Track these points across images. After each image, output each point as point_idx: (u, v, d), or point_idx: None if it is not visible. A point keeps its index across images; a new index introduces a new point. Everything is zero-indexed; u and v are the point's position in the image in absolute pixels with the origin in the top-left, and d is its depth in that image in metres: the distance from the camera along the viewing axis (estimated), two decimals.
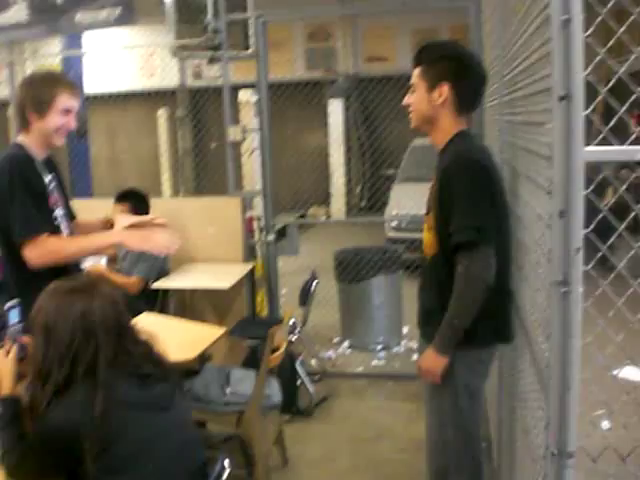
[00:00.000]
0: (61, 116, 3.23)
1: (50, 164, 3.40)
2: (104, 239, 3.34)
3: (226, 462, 2.43)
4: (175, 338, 3.76)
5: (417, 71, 2.95)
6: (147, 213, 4.06)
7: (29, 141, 3.28)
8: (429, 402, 3.08)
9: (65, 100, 3.23)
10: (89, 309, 2.23)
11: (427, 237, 2.97)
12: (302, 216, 13.02)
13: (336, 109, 14.90)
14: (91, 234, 3.36)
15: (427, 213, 2.99)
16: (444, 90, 2.88)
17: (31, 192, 3.17)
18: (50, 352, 2.22)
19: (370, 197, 13.80)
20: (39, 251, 3.12)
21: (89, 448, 2.12)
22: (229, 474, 2.41)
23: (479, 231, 2.70)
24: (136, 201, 5.19)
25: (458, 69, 2.89)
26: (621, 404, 4.13)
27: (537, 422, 2.14)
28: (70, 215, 3.52)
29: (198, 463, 2.39)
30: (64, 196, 3.46)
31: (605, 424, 4.53)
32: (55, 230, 3.28)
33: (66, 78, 3.40)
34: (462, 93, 2.90)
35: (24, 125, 3.28)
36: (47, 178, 3.31)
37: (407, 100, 3.01)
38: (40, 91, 3.24)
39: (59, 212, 3.36)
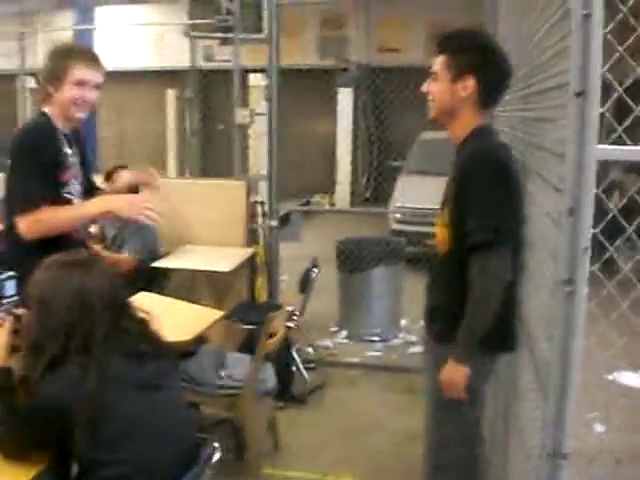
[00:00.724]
0: (76, 88, 3.19)
1: (74, 138, 3.38)
2: (93, 207, 3.32)
3: (216, 445, 2.42)
4: (172, 318, 3.73)
5: (441, 59, 2.79)
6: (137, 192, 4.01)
7: (52, 111, 3.26)
8: (430, 400, 3.00)
9: (79, 72, 3.19)
10: (86, 283, 2.21)
11: (440, 233, 2.85)
12: (306, 204, 12.99)
13: (346, 98, 14.85)
14: (80, 203, 3.36)
15: (441, 209, 2.87)
16: (469, 83, 2.74)
17: (39, 162, 3.15)
18: (45, 325, 2.20)
19: (375, 188, 13.78)
20: (29, 222, 3.11)
21: (79, 423, 2.10)
22: (220, 457, 2.39)
23: (496, 231, 2.60)
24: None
25: (485, 61, 2.75)
26: (617, 407, 4.12)
27: (533, 421, 2.12)
28: (90, 193, 3.51)
29: (189, 444, 2.37)
30: (84, 173, 3.45)
31: (600, 427, 4.51)
32: (65, 204, 3.27)
33: (84, 50, 3.36)
34: (486, 87, 2.76)
35: (45, 96, 3.26)
36: (66, 150, 3.29)
37: (427, 87, 2.85)
38: (55, 63, 3.23)
39: (74, 187, 3.34)
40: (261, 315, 4.19)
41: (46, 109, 3.27)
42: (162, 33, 14.62)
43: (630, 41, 1.76)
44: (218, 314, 4.04)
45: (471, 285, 2.63)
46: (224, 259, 5.31)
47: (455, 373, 2.70)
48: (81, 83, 3.21)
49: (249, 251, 5.72)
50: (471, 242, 2.62)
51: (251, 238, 5.89)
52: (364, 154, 15.08)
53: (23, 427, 2.20)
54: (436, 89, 2.81)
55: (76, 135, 3.41)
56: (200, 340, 4.08)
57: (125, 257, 5.18)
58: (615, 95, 1.71)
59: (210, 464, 2.38)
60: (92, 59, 3.28)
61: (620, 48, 1.73)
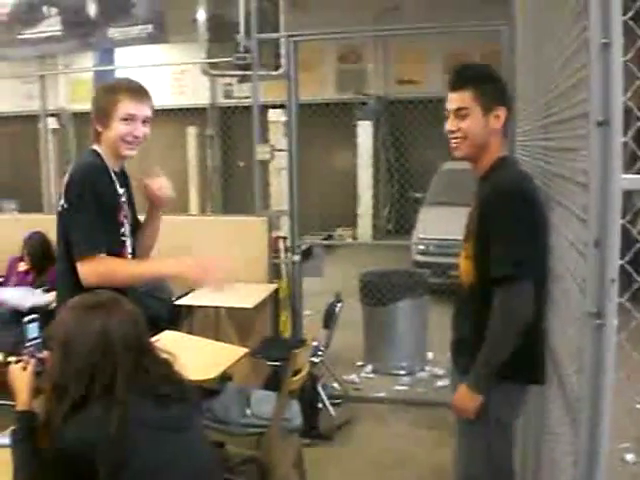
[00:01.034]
0: (124, 124, 3.08)
1: (124, 177, 3.30)
2: (164, 268, 3.25)
3: None
4: (196, 357, 3.72)
5: (467, 94, 2.74)
6: None
7: (103, 150, 3.16)
8: (460, 436, 2.96)
9: (126, 107, 3.07)
10: (109, 325, 2.19)
11: (465, 265, 2.83)
12: (328, 237, 12.98)
13: (365, 131, 14.89)
14: (151, 260, 3.30)
15: (465, 240, 2.86)
16: (501, 113, 2.75)
17: (101, 205, 3.03)
18: (67, 367, 2.18)
19: (397, 220, 13.75)
20: (92, 270, 2.97)
21: (103, 466, 2.07)
22: None
23: (518, 265, 2.58)
24: None
25: (506, 92, 2.82)
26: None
27: (565, 456, 2.07)
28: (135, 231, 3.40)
29: None
30: (132, 212, 3.35)
31: (631, 457, 4.42)
32: (120, 246, 3.18)
33: (129, 84, 3.21)
34: (508, 117, 2.80)
35: (96, 137, 3.17)
36: (120, 190, 3.21)
37: (455, 125, 2.79)
38: (101, 100, 3.14)
39: (127, 228, 3.24)
40: (285, 351, 4.16)
41: (96, 147, 3.17)
42: (182, 72, 14.78)
43: None
44: (242, 351, 4.03)
45: (491, 317, 2.61)
46: (247, 295, 5.29)
47: (469, 401, 2.70)
48: (129, 118, 3.09)
49: (272, 287, 5.70)
50: (494, 275, 2.60)
51: (274, 273, 5.87)
52: (385, 186, 15.08)
53: (47, 471, 2.18)
54: (469, 125, 2.76)
55: (124, 174, 3.31)
56: (224, 378, 4.05)
57: None
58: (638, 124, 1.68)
59: None
60: (138, 92, 3.15)
61: None
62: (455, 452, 3.03)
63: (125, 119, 3.08)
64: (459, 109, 2.76)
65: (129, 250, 3.25)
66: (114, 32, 6.93)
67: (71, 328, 2.22)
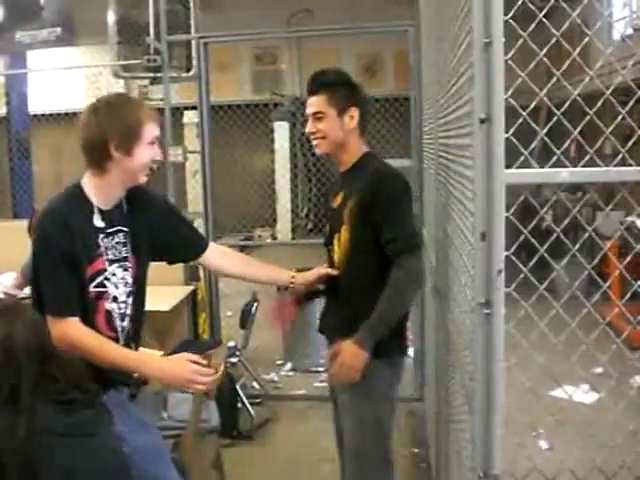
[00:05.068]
0: (151, 147, 2.72)
1: (131, 207, 2.84)
2: (145, 369, 2.81)
3: None
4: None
5: (321, 99, 3.07)
6: None
7: (98, 185, 2.72)
8: (347, 413, 3.14)
9: (152, 129, 2.73)
10: (9, 333, 2.17)
11: (340, 250, 3.09)
12: (247, 238, 12.97)
13: (282, 132, 14.90)
14: (129, 351, 2.84)
15: (335, 230, 3.12)
16: (354, 114, 3.07)
17: (62, 259, 2.63)
18: None
19: (316, 219, 13.83)
20: (60, 332, 2.55)
21: (13, 476, 2.05)
22: None
23: (412, 239, 2.94)
24: None
25: (357, 93, 3.13)
26: (547, 426, 4.18)
27: (467, 444, 2.15)
28: (196, 256, 3.11)
29: None
30: (139, 250, 2.86)
31: (533, 446, 4.56)
32: (92, 304, 2.74)
33: (143, 103, 2.94)
34: (363, 115, 3.11)
35: (99, 165, 2.70)
36: (100, 237, 2.74)
37: (313, 128, 3.11)
38: (126, 123, 2.66)
39: (110, 278, 2.77)
40: (201, 353, 4.16)
41: (84, 182, 2.75)
42: (96, 74, 14.54)
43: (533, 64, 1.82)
44: (157, 354, 4.01)
45: (389, 283, 2.87)
46: (163, 298, 5.26)
47: (358, 357, 2.86)
48: (155, 142, 2.74)
49: (188, 289, 5.68)
50: (395, 249, 2.90)
51: (192, 275, 5.85)
52: (303, 187, 15.13)
53: None
54: (325, 126, 3.07)
55: (133, 203, 2.85)
56: (139, 382, 4.03)
57: None
58: (519, 120, 1.76)
59: None
60: (155, 113, 2.83)
61: (523, 72, 1.79)
62: (337, 433, 3.37)
63: (152, 142, 2.72)
64: (316, 113, 3.09)
65: (121, 299, 2.84)
66: (22, 35, 6.82)
67: None
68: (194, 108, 6.17)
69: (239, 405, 5.28)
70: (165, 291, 5.50)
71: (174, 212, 3.15)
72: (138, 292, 2.92)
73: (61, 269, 2.63)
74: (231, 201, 10.25)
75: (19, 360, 2.14)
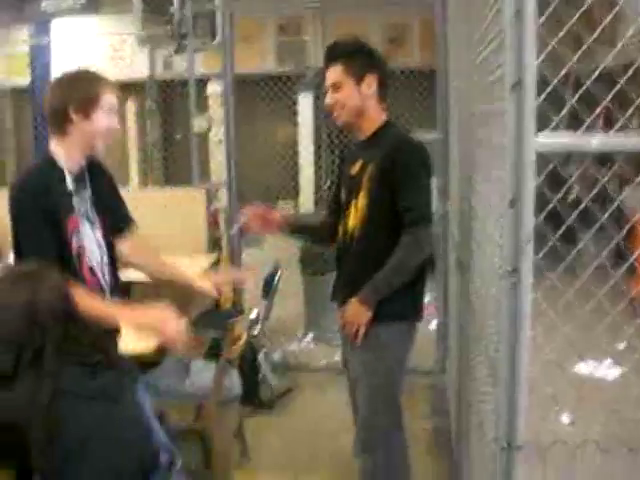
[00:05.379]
0: (106, 115, 2.89)
1: (89, 174, 3.00)
2: (122, 317, 2.83)
3: (177, 451, 2.41)
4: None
5: (338, 69, 3.08)
6: None
7: (64, 149, 2.88)
8: (360, 379, 3.22)
9: (110, 98, 2.92)
10: (36, 296, 2.18)
11: (356, 217, 3.12)
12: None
13: (306, 103, 14.82)
14: (106, 303, 2.91)
15: (353, 197, 3.14)
16: (372, 80, 3.07)
17: (44, 218, 2.77)
18: None
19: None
20: None
21: (36, 438, 2.07)
22: (186, 466, 2.38)
23: (429, 212, 3.01)
24: None
25: (375, 60, 3.12)
26: (569, 400, 4.16)
27: (490, 415, 2.14)
28: (117, 232, 3.16)
29: (149, 453, 2.35)
30: (106, 212, 3.06)
31: (555, 419, 4.55)
32: (76, 261, 2.88)
33: (105, 76, 3.01)
34: (382, 82, 3.11)
35: (61, 129, 2.87)
36: (74, 199, 2.90)
37: (332, 99, 3.13)
38: (84, 89, 2.87)
39: (85, 237, 2.93)
40: (224, 322, 4.17)
41: (52, 147, 2.90)
42: (121, 43, 14.51)
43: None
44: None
45: (399, 247, 2.96)
46: (186, 268, 5.27)
47: (360, 314, 3.01)
48: (112, 110, 2.93)
49: (211, 257, 5.69)
50: (409, 218, 2.95)
51: (214, 246, 5.86)
52: (327, 159, 15.07)
53: None
54: (343, 95, 3.09)
55: (94, 168, 3.03)
56: (163, 350, 4.05)
57: None
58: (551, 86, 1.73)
59: (173, 471, 2.38)
60: (115, 85, 3.00)
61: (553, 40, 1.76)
62: (353, 405, 3.45)
63: (108, 110, 2.91)
64: (334, 84, 3.11)
65: (96, 260, 2.99)
66: (47, 4, 6.81)
67: None
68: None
69: (260, 376, 5.30)
70: (188, 261, 5.51)
71: (116, 187, 3.27)
72: (109, 249, 3.09)
73: (41, 225, 2.76)
74: (254, 173, 10.25)
75: (43, 323, 2.15)
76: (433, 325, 5.79)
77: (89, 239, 2.95)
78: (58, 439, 2.09)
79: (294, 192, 14.70)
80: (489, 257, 2.19)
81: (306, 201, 14.95)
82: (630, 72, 1.91)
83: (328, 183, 15.12)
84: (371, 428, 3.20)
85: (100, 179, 3.08)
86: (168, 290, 5.72)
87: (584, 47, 1.92)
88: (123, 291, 5.31)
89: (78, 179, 2.94)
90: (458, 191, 3.68)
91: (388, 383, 3.16)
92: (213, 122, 5.93)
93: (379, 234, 3.07)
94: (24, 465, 2.14)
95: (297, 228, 3.62)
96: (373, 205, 3.06)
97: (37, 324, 2.15)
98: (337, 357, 6.25)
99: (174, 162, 14.87)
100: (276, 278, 5.46)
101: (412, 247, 2.96)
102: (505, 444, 1.79)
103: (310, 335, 6.73)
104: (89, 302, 2.67)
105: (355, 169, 3.17)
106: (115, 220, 3.16)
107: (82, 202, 2.94)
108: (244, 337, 4.24)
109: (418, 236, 2.95)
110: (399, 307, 3.07)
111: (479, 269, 2.59)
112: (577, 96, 1.80)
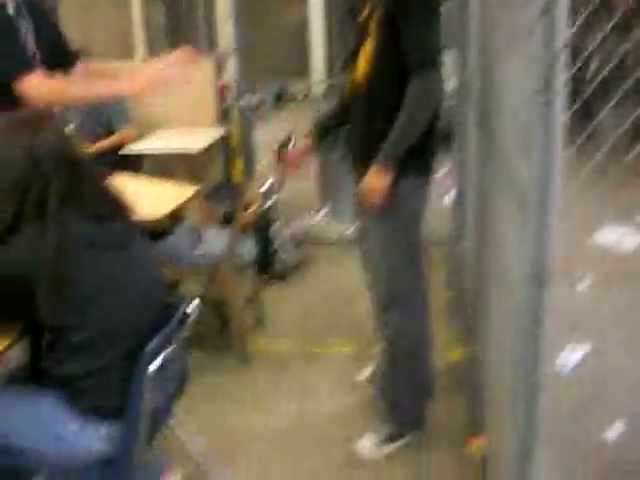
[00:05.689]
0: None
1: (30, 9, 3.04)
2: (118, 87, 3.05)
3: (193, 304, 2.37)
4: (146, 196, 3.64)
5: None
6: None
7: None
8: (374, 235, 3.12)
9: None
10: (35, 141, 2.07)
11: (364, 64, 2.94)
12: (280, 94, 12.72)
13: None
14: (104, 79, 3.11)
15: (361, 44, 2.97)
16: None
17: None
18: None
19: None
20: (39, 88, 2.82)
21: (44, 289, 2.01)
22: (205, 330, 2.33)
23: (435, 54, 2.79)
24: None
25: None
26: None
27: (513, 245, 2.04)
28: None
29: (162, 301, 2.31)
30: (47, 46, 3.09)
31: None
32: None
33: None
34: None
35: None
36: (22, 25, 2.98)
37: None
38: None
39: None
40: (237, 193, 4.12)
41: None
42: None
43: None
44: (193, 189, 3.94)
45: (406, 101, 2.77)
46: (195, 139, 5.18)
47: (376, 181, 2.85)
48: None
49: (220, 130, 5.58)
50: (414, 61, 2.76)
51: (222, 118, 5.74)
52: (338, 38, 14.68)
53: None
54: None
55: (33, 6, 3.07)
56: (176, 219, 4.00)
57: None
58: None
59: (188, 321, 2.34)
60: None
61: None
62: (370, 254, 3.23)
63: None
64: None
65: None
66: None
67: None
68: None
69: (274, 247, 5.27)
70: (196, 132, 5.42)
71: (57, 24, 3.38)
72: None
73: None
74: (264, 51, 10.00)
75: (45, 167, 2.06)
76: (448, 200, 5.69)
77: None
78: (66, 290, 2.03)
79: (305, 72, 14.40)
80: (515, 91, 2.07)
81: (318, 84, 14.64)
82: None
83: (340, 65, 14.80)
84: (392, 284, 3.12)
85: (41, 18, 3.11)
86: (178, 165, 5.67)
87: None
88: (135, 164, 5.29)
89: (22, 11, 2.99)
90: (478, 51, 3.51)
91: (407, 240, 3.08)
92: None
93: (387, 82, 2.89)
94: (33, 319, 2.09)
95: (323, 132, 3.67)
96: (380, 48, 2.89)
97: (40, 168, 2.06)
98: (351, 230, 6.23)
99: (180, 32, 14.48)
100: (291, 144, 5.36)
101: (419, 100, 2.78)
102: (530, 273, 1.71)
103: (323, 210, 6.66)
104: (87, 87, 2.92)
105: (364, 15, 3.04)
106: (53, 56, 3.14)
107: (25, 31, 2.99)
108: (256, 202, 4.17)
109: (425, 85, 2.77)
110: (413, 164, 2.93)
111: (502, 116, 2.47)
112: None
